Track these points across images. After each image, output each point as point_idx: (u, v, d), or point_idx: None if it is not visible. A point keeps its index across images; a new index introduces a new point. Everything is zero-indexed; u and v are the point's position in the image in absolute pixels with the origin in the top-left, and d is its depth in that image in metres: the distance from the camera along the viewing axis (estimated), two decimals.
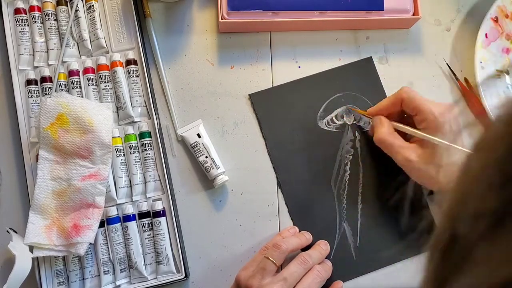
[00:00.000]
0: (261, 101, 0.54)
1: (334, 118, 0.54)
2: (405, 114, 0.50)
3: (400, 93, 0.47)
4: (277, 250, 0.45)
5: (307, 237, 0.50)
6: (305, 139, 0.53)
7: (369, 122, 0.53)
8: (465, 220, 0.19)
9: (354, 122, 0.54)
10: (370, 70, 0.55)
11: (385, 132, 0.47)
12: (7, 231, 0.48)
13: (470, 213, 0.19)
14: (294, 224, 0.52)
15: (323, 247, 0.49)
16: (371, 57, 0.56)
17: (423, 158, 0.44)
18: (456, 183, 0.21)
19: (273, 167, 0.53)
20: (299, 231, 0.51)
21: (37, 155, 0.50)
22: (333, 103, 0.54)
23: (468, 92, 0.54)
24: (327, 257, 0.50)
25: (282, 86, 0.55)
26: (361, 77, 0.55)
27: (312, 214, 0.52)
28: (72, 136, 0.48)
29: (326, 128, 0.54)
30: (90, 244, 0.48)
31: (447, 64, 0.55)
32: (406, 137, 0.48)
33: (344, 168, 0.53)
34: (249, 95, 0.54)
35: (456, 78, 0.55)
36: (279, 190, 0.53)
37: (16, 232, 0.48)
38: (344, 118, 0.54)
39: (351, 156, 0.53)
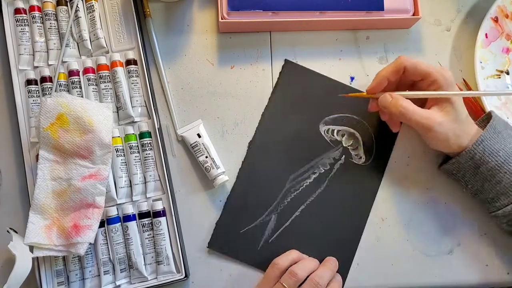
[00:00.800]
0: (291, 72, 0.54)
1: (335, 132, 0.54)
2: (400, 84, 0.50)
3: (401, 61, 0.47)
4: (293, 278, 0.45)
5: (316, 262, 0.49)
6: (299, 129, 0.53)
7: (361, 157, 0.53)
8: None
9: (349, 147, 0.53)
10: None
11: (405, 103, 0.47)
12: (7, 231, 0.48)
13: None
14: (235, 185, 0.52)
15: (331, 264, 0.49)
16: None
17: (447, 117, 0.46)
18: None
19: (256, 128, 0.53)
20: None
21: (37, 155, 0.50)
22: (344, 119, 0.54)
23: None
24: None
25: (317, 74, 0.55)
26: (376, 113, 0.53)
27: (254, 191, 0.52)
28: (72, 136, 0.48)
29: (322, 134, 0.54)
30: (90, 244, 0.48)
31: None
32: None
33: (309, 175, 0.53)
34: (285, 60, 0.55)
35: None
36: (247, 149, 0.53)
37: (16, 232, 0.48)
38: (344, 138, 0.53)
39: (323, 170, 0.53)
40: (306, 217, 0.52)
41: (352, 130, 0.54)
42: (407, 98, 0.47)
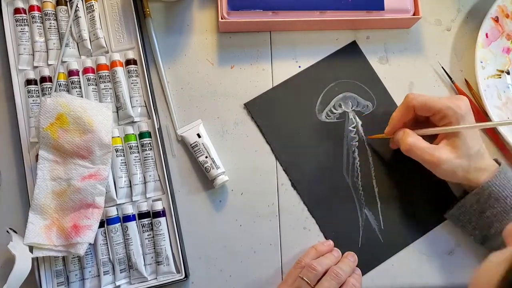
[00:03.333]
0: (257, 108, 0.54)
1: (332, 109, 0.54)
2: (417, 121, 0.50)
3: (409, 101, 0.47)
4: (312, 271, 0.46)
5: (335, 254, 0.50)
6: (309, 134, 0.54)
7: (368, 105, 0.54)
8: None
9: (353, 108, 0.54)
10: (356, 54, 0.56)
11: (411, 140, 0.47)
12: (7, 231, 0.48)
13: None
14: (316, 220, 0.52)
15: (350, 258, 0.50)
16: (354, 41, 0.56)
17: (455, 153, 0.45)
18: None
19: (284, 170, 0.53)
20: (326, 238, 0.52)
21: (37, 155, 0.50)
22: (328, 94, 0.55)
23: (465, 95, 0.54)
24: (356, 246, 0.51)
25: (275, 88, 0.55)
26: (349, 63, 0.55)
27: (331, 207, 0.52)
28: (72, 136, 0.48)
29: (327, 120, 0.54)
30: (90, 244, 0.48)
31: (442, 67, 0.55)
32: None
33: (353, 155, 0.53)
34: (245, 104, 0.54)
35: (452, 81, 0.55)
36: (295, 191, 0.53)
37: (16, 232, 0.48)
38: (342, 106, 0.54)
39: (357, 143, 0.54)
40: (384, 182, 0.52)
41: (341, 95, 0.54)
42: (420, 135, 0.48)
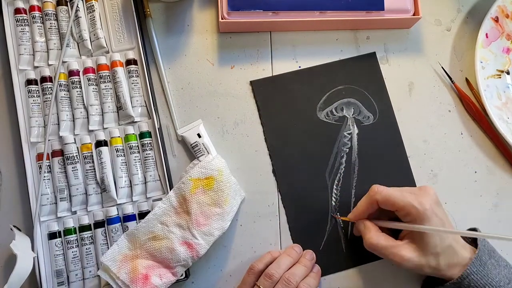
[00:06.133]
0: (262, 88, 0.54)
1: (333, 110, 0.54)
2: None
3: (372, 195, 0.45)
4: (269, 280, 0.45)
5: (296, 250, 0.50)
6: (303, 129, 0.54)
7: (369, 117, 0.54)
8: None
9: (354, 115, 0.54)
10: (373, 65, 0.55)
11: (373, 236, 0.45)
12: (11, 229, 0.48)
13: None
14: (285, 211, 0.52)
15: (308, 258, 0.49)
16: (374, 52, 0.56)
17: (419, 251, 0.43)
18: None
19: (269, 154, 0.53)
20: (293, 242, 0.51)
21: (37, 155, 0.50)
22: (334, 95, 0.55)
23: (465, 95, 0.54)
24: (317, 247, 0.51)
25: (284, 75, 0.55)
26: (363, 72, 0.55)
27: (305, 203, 0.52)
28: (205, 200, 0.48)
29: (325, 120, 0.54)
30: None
31: (442, 67, 0.55)
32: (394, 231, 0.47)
33: (340, 160, 0.53)
34: (251, 81, 0.54)
35: (452, 81, 0.55)
36: (274, 177, 0.53)
37: (20, 230, 0.48)
38: (344, 110, 0.54)
39: (347, 149, 0.53)
40: (363, 195, 0.50)
41: (345, 99, 0.54)
42: (382, 226, 0.46)
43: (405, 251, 0.43)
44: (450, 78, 0.55)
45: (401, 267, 0.43)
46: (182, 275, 0.49)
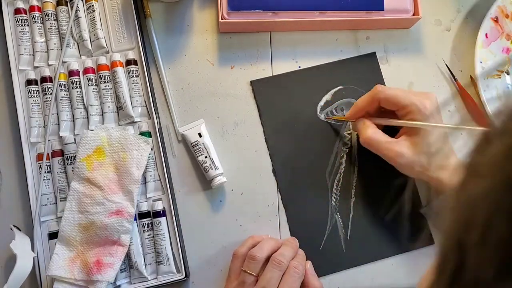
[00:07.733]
0: (262, 88, 0.54)
1: (334, 110, 0.54)
2: (382, 109, 0.49)
3: (376, 93, 0.46)
4: (253, 261, 0.45)
5: (273, 240, 0.49)
6: (303, 129, 0.54)
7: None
8: (471, 248, 0.18)
9: None
10: (373, 65, 0.55)
11: (370, 132, 0.46)
12: (11, 229, 0.48)
13: (477, 242, 0.18)
14: (285, 211, 0.52)
15: (292, 241, 0.49)
16: (374, 52, 0.56)
17: (413, 149, 0.44)
18: (456, 207, 0.20)
19: (269, 154, 0.53)
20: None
21: (38, 155, 0.50)
22: (334, 96, 0.55)
23: (466, 93, 0.54)
24: (317, 247, 0.51)
25: (284, 75, 0.55)
26: (363, 72, 0.55)
27: (304, 203, 0.52)
28: (106, 170, 0.48)
29: (325, 120, 0.54)
30: (109, 282, 0.48)
31: (446, 65, 0.55)
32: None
33: (339, 160, 0.53)
34: (251, 81, 0.54)
35: (455, 79, 0.55)
36: (274, 177, 0.53)
37: (19, 230, 0.48)
38: (344, 111, 0.54)
39: (347, 149, 0.53)
40: (362, 195, 0.51)
41: (345, 99, 0.54)
42: (382, 124, 0.47)
43: (400, 147, 0.45)
44: (453, 76, 0.55)
45: (394, 163, 0.45)
46: (130, 240, 0.48)
